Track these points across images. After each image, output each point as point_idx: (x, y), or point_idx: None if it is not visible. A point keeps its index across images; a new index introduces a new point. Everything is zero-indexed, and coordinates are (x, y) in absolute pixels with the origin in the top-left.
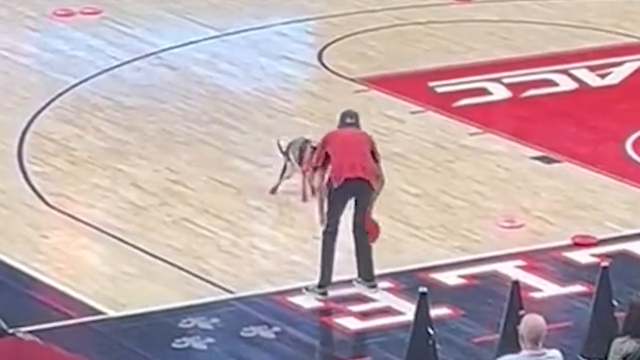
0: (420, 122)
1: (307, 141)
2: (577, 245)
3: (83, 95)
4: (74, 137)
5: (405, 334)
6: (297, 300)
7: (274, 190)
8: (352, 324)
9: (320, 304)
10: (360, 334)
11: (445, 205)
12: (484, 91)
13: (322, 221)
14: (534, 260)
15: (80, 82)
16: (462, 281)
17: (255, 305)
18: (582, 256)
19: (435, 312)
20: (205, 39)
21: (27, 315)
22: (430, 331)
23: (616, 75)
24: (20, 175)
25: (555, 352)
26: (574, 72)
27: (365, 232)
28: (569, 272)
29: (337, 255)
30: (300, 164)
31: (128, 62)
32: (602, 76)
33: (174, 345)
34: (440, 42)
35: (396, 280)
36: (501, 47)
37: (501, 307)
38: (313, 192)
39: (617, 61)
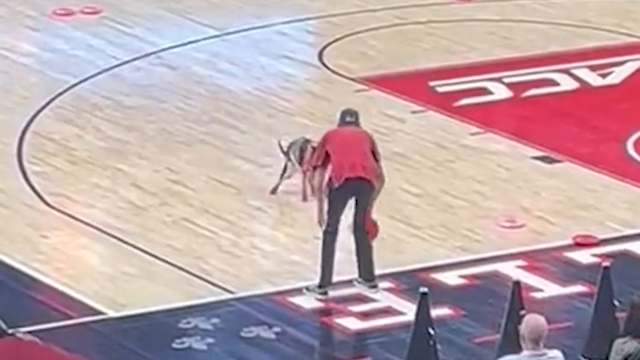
0: (421, 122)
1: (307, 141)
2: (578, 245)
3: (83, 94)
4: (74, 137)
5: (406, 334)
6: (297, 300)
7: (274, 190)
8: (352, 324)
9: (321, 304)
10: (361, 334)
11: (446, 205)
12: (484, 91)
13: (320, 221)
14: (534, 260)
15: (80, 82)
16: (463, 281)
17: (255, 305)
18: (583, 256)
19: (436, 312)
20: (206, 39)
21: (26, 315)
22: (431, 331)
23: (617, 75)
24: (20, 175)
25: (556, 353)
26: (575, 71)
27: (366, 232)
28: (570, 272)
29: (338, 255)
30: (300, 164)
31: (128, 61)
32: (603, 76)
33: (174, 345)
34: (440, 41)
35: (397, 281)
36: (502, 47)
37: (502, 307)
38: (313, 192)
39: (618, 61)
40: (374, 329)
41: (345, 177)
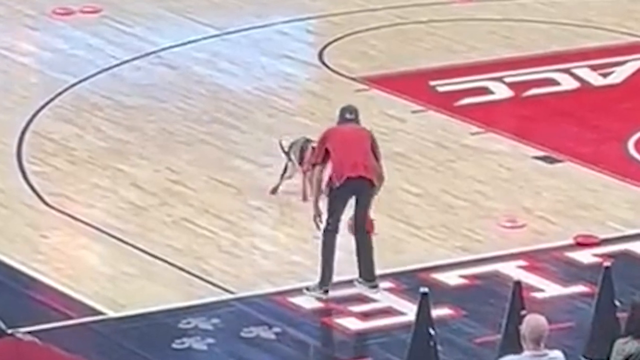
0: (422, 122)
1: (308, 141)
2: (579, 245)
3: (83, 94)
4: (74, 137)
5: (406, 335)
6: (297, 300)
7: (274, 190)
8: (353, 324)
9: (321, 305)
10: (361, 335)
11: (446, 205)
12: (485, 90)
13: (316, 217)
14: (535, 260)
15: (80, 82)
16: (463, 281)
17: (255, 305)
18: (584, 256)
19: (436, 312)
20: (206, 38)
21: (26, 315)
22: (432, 332)
23: (618, 75)
24: (20, 175)
25: (557, 353)
26: (576, 71)
27: (366, 232)
28: (571, 272)
29: (338, 255)
30: (301, 164)
31: (128, 61)
32: (605, 75)
33: (174, 345)
34: (441, 41)
35: (397, 281)
36: (503, 46)
37: (503, 308)
38: (311, 188)
39: (619, 60)
40: (375, 329)
41: (346, 176)
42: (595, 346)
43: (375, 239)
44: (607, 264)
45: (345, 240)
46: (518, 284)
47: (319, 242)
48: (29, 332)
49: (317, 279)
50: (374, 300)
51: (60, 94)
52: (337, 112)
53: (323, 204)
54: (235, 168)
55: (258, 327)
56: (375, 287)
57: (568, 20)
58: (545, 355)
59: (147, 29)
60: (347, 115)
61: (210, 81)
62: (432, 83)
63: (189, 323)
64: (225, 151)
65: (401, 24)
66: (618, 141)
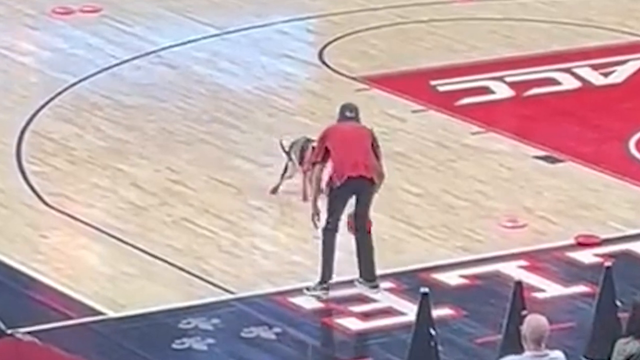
0: (422, 121)
1: (308, 140)
2: (580, 245)
3: (82, 94)
4: (74, 137)
5: (406, 335)
6: (298, 300)
7: (275, 190)
8: (353, 324)
9: (322, 305)
10: (362, 335)
11: (447, 205)
12: (486, 90)
13: (314, 215)
14: (536, 260)
15: (80, 81)
16: (464, 281)
17: (256, 305)
18: (585, 256)
19: (437, 312)
20: (206, 38)
21: (26, 315)
22: (432, 332)
23: (620, 74)
24: (19, 174)
25: (558, 353)
26: (577, 70)
27: (367, 232)
28: (572, 272)
29: (338, 255)
30: (301, 163)
31: (128, 60)
32: (606, 75)
33: (174, 346)
34: (442, 40)
35: (398, 281)
36: (504, 46)
37: (504, 308)
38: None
39: (620, 60)
40: (375, 330)
41: (347, 175)
42: (596, 346)
43: (375, 239)
44: (608, 264)
45: (345, 240)
46: (519, 284)
47: (319, 241)
48: (29, 332)
49: (317, 279)
50: (374, 301)
51: (60, 93)
52: (337, 110)
53: (322, 203)
54: (235, 168)
55: (258, 327)
56: (376, 287)
57: (569, 20)
58: (546, 355)
59: (147, 28)
60: (347, 113)
61: (210, 81)
62: (433, 82)
63: (189, 323)
64: (225, 151)
65: (402, 24)
66: (619, 141)
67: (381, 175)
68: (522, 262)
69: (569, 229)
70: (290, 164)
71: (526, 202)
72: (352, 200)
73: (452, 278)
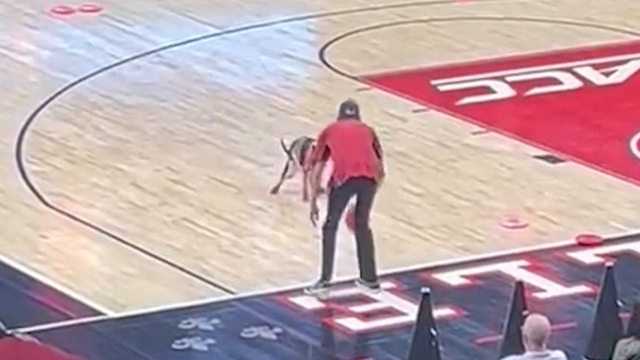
0: (423, 121)
1: (309, 140)
2: (582, 245)
3: (82, 93)
4: (73, 136)
5: (407, 335)
6: (298, 300)
7: (275, 190)
8: (354, 324)
9: (322, 305)
10: (362, 335)
11: (448, 205)
12: (487, 89)
13: (312, 214)
14: (537, 260)
15: (80, 81)
16: (465, 281)
17: (256, 305)
18: (587, 256)
19: (437, 312)
20: (206, 37)
21: (25, 315)
22: (433, 332)
23: (621, 74)
24: (19, 174)
25: (559, 353)
26: (578, 70)
27: (368, 232)
28: (573, 272)
29: (339, 254)
30: (302, 163)
31: (128, 60)
32: (607, 74)
33: (174, 346)
34: (443, 40)
35: (398, 281)
36: (504, 45)
37: (505, 308)
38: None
39: (621, 59)
40: (376, 330)
41: (348, 176)
42: (597, 347)
43: (376, 239)
44: (609, 264)
45: (345, 240)
46: (520, 284)
47: (320, 240)
48: (29, 333)
49: (318, 278)
50: (375, 301)
51: (59, 93)
52: (337, 108)
53: (322, 202)
54: (235, 167)
55: (259, 327)
56: (377, 287)
57: (570, 19)
58: (547, 355)
59: (147, 27)
60: (348, 111)
61: (211, 80)
62: (434, 82)
63: (189, 323)
64: (225, 150)
65: (402, 23)
66: (621, 140)
67: (382, 174)
68: (523, 262)
69: (570, 229)
70: (291, 163)
71: (527, 202)
72: (352, 199)
73: (453, 278)
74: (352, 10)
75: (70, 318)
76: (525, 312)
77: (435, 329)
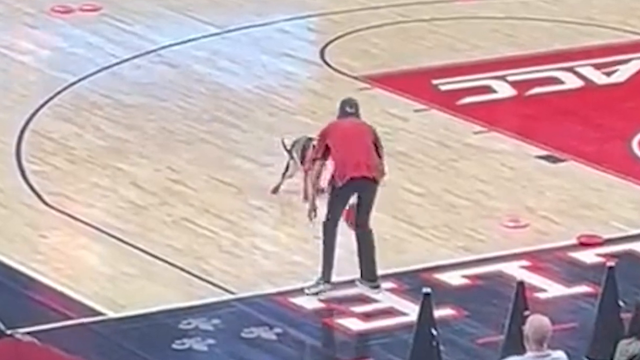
0: (424, 121)
1: (310, 139)
2: (583, 245)
3: (82, 93)
4: (73, 136)
5: (408, 335)
6: (298, 301)
7: (275, 190)
8: (354, 324)
9: (322, 305)
10: (363, 335)
11: (449, 205)
12: (488, 89)
13: (310, 212)
14: (538, 260)
15: (79, 80)
16: (466, 281)
17: (256, 306)
18: (588, 256)
19: (438, 312)
20: (206, 36)
21: (25, 316)
22: (434, 332)
23: (622, 73)
24: (19, 174)
25: (560, 354)
26: (579, 69)
27: (369, 232)
28: (574, 272)
29: (339, 253)
30: (302, 162)
31: (128, 59)
32: (608, 74)
33: (175, 346)
34: (444, 39)
35: (399, 281)
36: (506, 45)
37: (506, 308)
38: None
39: (623, 59)
40: (376, 330)
41: (349, 176)
42: (598, 347)
43: (377, 239)
44: (610, 264)
45: (346, 240)
46: (521, 284)
47: (320, 240)
48: (28, 333)
49: (318, 276)
50: (375, 301)
51: (59, 92)
52: (337, 105)
53: (320, 201)
54: (235, 167)
55: (259, 327)
56: (377, 287)
57: (571, 19)
58: (548, 355)
59: (146, 27)
60: (348, 109)
61: (211, 80)
62: (435, 82)
63: (189, 323)
64: (225, 150)
65: (403, 22)
66: (622, 140)
67: (382, 173)
68: (524, 262)
69: (571, 228)
70: (291, 162)
71: (528, 201)
72: (352, 198)
73: (454, 278)
74: (353, 9)
75: (70, 318)
76: (526, 312)
77: (436, 329)
